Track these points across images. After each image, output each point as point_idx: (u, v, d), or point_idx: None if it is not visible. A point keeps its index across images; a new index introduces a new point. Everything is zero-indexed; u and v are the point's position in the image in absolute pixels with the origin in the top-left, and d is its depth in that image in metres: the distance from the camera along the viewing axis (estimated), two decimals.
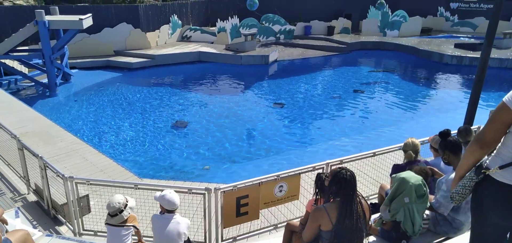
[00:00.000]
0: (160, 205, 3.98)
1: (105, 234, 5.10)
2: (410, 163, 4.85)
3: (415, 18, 29.76)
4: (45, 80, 15.55)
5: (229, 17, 24.78)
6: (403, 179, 3.71)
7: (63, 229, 5.51)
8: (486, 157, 2.56)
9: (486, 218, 2.58)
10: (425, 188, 3.76)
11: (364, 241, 3.30)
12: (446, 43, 24.98)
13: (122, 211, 3.99)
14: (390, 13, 28.93)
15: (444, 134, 4.23)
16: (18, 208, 5.58)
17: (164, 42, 23.77)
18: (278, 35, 27.21)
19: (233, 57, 21.14)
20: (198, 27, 25.99)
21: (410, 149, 4.88)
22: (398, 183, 3.74)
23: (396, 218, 3.75)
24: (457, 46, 23.57)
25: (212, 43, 24.37)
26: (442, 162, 4.30)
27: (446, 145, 4.09)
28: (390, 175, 4.98)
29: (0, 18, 19.67)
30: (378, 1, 27.23)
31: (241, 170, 9.33)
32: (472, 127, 5.75)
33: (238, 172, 9.23)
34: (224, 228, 5.03)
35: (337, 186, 3.17)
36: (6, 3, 24.32)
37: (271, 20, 26.97)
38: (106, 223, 4.11)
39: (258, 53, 21.63)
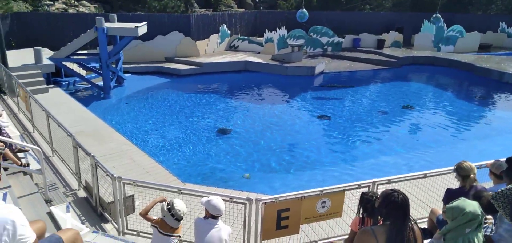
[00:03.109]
0: (205, 210, 3.98)
1: (147, 235, 5.23)
2: (464, 189, 4.49)
3: (473, 34, 28.10)
4: (101, 83, 16.48)
5: (277, 28, 24.89)
6: (465, 210, 3.38)
7: (108, 226, 5.72)
8: None
9: None
10: (481, 216, 3.44)
11: None
12: (508, 61, 23.26)
13: (182, 218, 3.96)
14: (445, 27, 27.56)
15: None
16: (69, 203, 5.89)
17: (212, 50, 24.35)
18: (325, 47, 26.87)
19: (279, 67, 21.15)
20: (246, 37, 26.36)
21: (471, 173, 4.49)
22: (460, 214, 3.40)
23: None
24: None
25: (259, 53, 24.58)
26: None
27: None
28: (443, 200, 4.65)
29: (65, 24, 21.28)
30: (434, 15, 26.03)
31: (281, 181, 9.22)
32: None
33: (279, 182, 9.13)
34: (263, 239, 4.96)
35: (388, 209, 2.99)
36: (70, 10, 26.23)
37: (319, 31, 26.72)
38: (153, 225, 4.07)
39: (305, 64, 21.47)
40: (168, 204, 3.89)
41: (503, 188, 2.52)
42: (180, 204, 3.89)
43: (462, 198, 3.68)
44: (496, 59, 24.00)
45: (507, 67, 21.13)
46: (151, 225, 4.03)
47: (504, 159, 4.64)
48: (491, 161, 4.69)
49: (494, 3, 33.72)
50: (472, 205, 3.47)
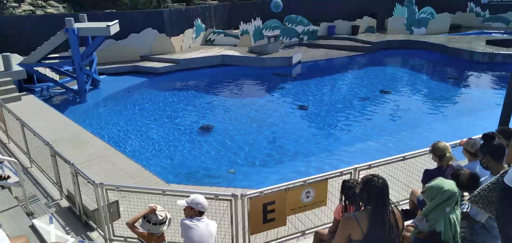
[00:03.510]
0: (189, 210, 3.99)
1: (135, 240, 5.19)
2: (441, 168, 4.66)
3: (443, 15, 28.88)
4: (75, 87, 16.06)
5: (252, 20, 24.84)
6: (443, 189, 3.52)
7: (94, 235, 5.65)
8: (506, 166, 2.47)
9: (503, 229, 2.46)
10: (458, 194, 3.60)
11: None
12: (477, 40, 24.06)
13: (163, 223, 3.99)
14: (417, 10, 28.19)
15: (489, 136, 4.00)
16: (52, 214, 5.77)
17: (188, 46, 24.09)
18: (301, 36, 27.04)
19: (256, 59, 21.16)
20: (221, 30, 26.19)
21: (446, 152, 4.65)
22: (438, 193, 3.54)
23: (435, 228, 3.59)
24: (489, 42, 22.66)
25: (235, 46, 24.49)
26: (478, 166, 4.10)
27: (489, 148, 3.88)
28: (422, 181, 4.81)
29: (33, 26, 20.50)
30: None
31: (266, 174, 9.30)
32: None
33: (263, 175, 9.20)
34: (251, 234, 5.01)
35: (368, 193, 3.08)
36: (38, 12, 25.33)
37: (294, 21, 26.84)
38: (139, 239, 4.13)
39: (282, 54, 21.56)
40: (144, 217, 3.95)
41: (478, 190, 2.66)
42: (159, 210, 4.00)
43: (440, 177, 3.83)
44: (467, 39, 24.79)
45: (476, 46, 21.86)
46: (138, 238, 4.06)
47: (477, 136, 4.84)
48: (465, 140, 4.86)
49: None
50: (449, 184, 3.62)
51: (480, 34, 27.21)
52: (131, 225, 4.04)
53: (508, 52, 19.91)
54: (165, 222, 4.00)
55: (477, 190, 2.67)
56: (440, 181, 3.67)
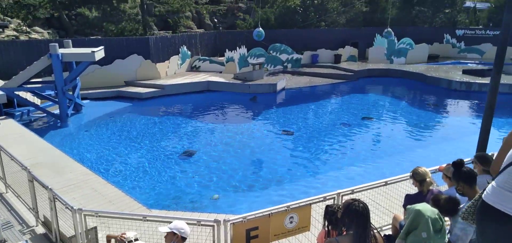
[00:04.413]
0: (171, 235, 3.94)
1: None
2: (422, 193, 4.73)
3: (421, 45, 30.00)
4: (57, 111, 15.79)
5: (237, 47, 25.18)
6: (419, 212, 3.59)
7: None
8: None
9: None
10: (441, 222, 3.64)
11: None
12: (454, 69, 25.00)
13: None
14: (396, 41, 29.17)
15: (458, 164, 4.11)
16: (26, 241, 5.55)
17: (173, 72, 24.14)
18: (285, 64, 27.50)
19: (242, 86, 21.34)
20: (207, 58, 26.42)
21: (426, 177, 4.73)
22: (413, 215, 3.62)
23: None
24: (465, 72, 23.57)
25: (221, 72, 24.68)
26: (456, 193, 4.18)
27: (460, 175, 3.98)
28: (403, 205, 4.86)
29: (16, 52, 20.24)
30: (386, 30, 27.54)
31: (250, 199, 9.22)
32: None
33: (247, 201, 9.12)
34: None
35: (350, 218, 3.10)
36: (22, 37, 25.09)
37: (278, 49, 27.35)
38: None
39: (266, 81, 21.82)
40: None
41: (466, 206, 2.73)
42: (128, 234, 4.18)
43: (424, 203, 3.89)
44: (444, 68, 25.70)
45: (454, 76, 22.69)
46: None
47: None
48: (444, 165, 4.98)
49: (438, 16, 36.23)
50: (429, 210, 3.68)
51: (457, 64, 28.32)
52: (109, 241, 4.13)
53: (484, 81, 20.68)
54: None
55: (465, 206, 2.73)
56: (421, 206, 3.73)
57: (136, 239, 4.23)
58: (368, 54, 30.40)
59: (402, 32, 30.63)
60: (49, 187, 5.43)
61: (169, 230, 3.94)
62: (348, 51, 30.01)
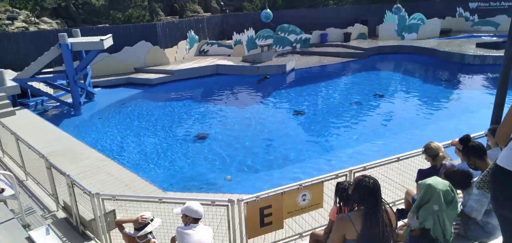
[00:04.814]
0: (185, 216, 4.04)
1: None
2: (435, 168, 4.73)
3: (433, 20, 29.28)
4: (70, 100, 16.03)
5: (245, 30, 25.02)
6: (430, 185, 3.61)
7: None
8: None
9: (500, 212, 2.51)
10: (453, 194, 3.65)
11: None
12: (467, 43, 24.40)
13: (146, 224, 4.12)
14: (407, 16, 28.58)
15: (464, 140, 4.09)
16: (48, 225, 5.73)
17: (182, 57, 24.18)
18: (294, 44, 27.26)
19: (250, 68, 21.27)
20: (214, 41, 26.34)
21: (439, 152, 4.72)
22: (425, 189, 3.63)
23: (424, 225, 3.65)
24: (479, 45, 22.98)
25: (229, 56, 24.62)
26: (469, 168, 4.17)
27: (469, 151, 3.97)
28: (416, 180, 4.87)
29: (26, 43, 20.54)
30: (395, 6, 26.97)
31: (263, 179, 9.31)
32: None
33: (261, 181, 9.21)
34: (249, 238, 5.03)
35: (360, 194, 3.13)
36: (31, 28, 25.35)
37: (286, 30, 27.07)
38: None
39: (275, 63, 21.70)
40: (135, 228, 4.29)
41: (481, 176, 2.74)
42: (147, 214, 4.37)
43: (434, 176, 3.90)
44: (457, 42, 25.13)
45: (467, 49, 22.17)
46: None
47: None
48: (457, 140, 4.94)
49: None
50: (438, 182, 3.69)
51: (470, 38, 27.61)
52: (120, 225, 4.20)
53: (498, 54, 20.19)
54: (148, 223, 4.23)
55: (480, 176, 2.74)
56: (432, 180, 3.75)
57: (152, 219, 4.36)
58: (378, 31, 29.85)
59: (414, 7, 29.95)
60: (67, 173, 5.57)
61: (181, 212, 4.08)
62: (357, 29, 29.52)
